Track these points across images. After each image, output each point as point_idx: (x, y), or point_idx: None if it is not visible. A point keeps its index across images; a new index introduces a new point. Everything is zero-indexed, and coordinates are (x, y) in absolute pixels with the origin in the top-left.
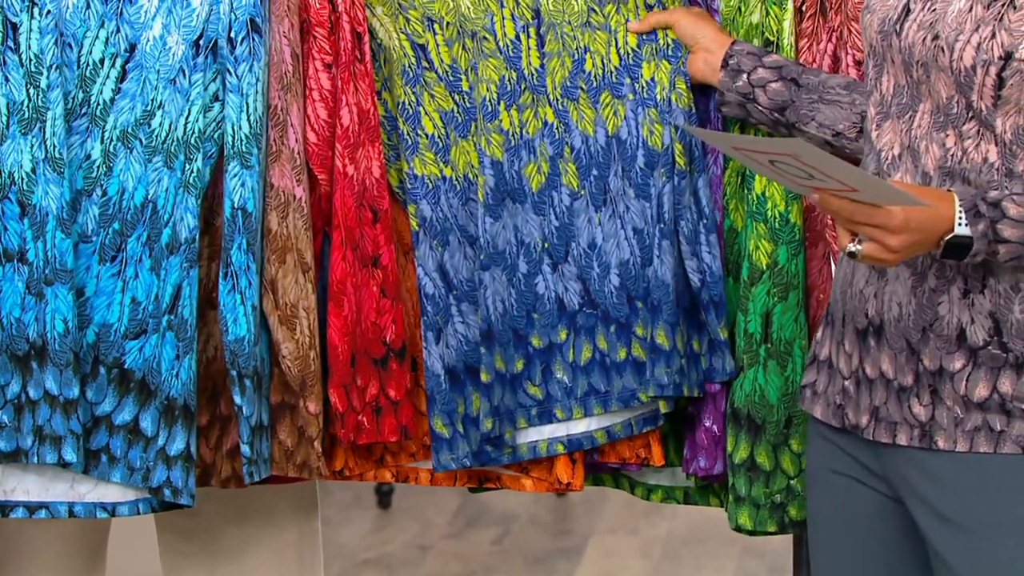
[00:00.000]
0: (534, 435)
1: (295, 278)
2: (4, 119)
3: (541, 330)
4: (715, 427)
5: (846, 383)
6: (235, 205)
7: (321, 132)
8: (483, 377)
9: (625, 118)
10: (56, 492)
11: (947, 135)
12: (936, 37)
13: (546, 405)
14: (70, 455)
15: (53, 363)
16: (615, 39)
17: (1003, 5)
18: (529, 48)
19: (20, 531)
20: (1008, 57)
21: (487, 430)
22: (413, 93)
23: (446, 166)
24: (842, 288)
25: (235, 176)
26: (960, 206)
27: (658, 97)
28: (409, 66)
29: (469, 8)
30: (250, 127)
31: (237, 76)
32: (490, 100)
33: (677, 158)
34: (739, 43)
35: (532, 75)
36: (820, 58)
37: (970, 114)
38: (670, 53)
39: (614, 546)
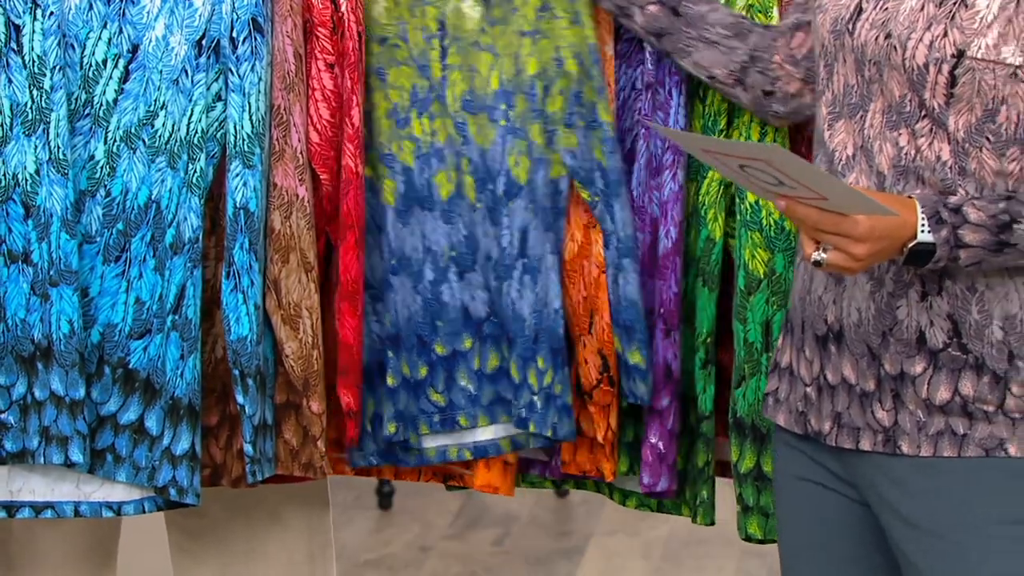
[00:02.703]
0: (443, 440)
1: (298, 278)
2: (8, 120)
3: (445, 338)
4: (660, 444)
5: (808, 390)
6: (237, 204)
7: (323, 132)
8: (389, 381)
9: (493, 142)
10: (62, 492)
11: (900, 134)
12: (888, 36)
13: (448, 412)
14: (76, 456)
15: (59, 364)
16: (498, 63)
17: (955, 3)
18: (433, 60)
19: (30, 532)
20: (960, 55)
21: (390, 434)
22: None
23: (363, 164)
24: (800, 295)
25: (237, 175)
26: (922, 213)
27: (529, 133)
28: None
29: (382, 14)
30: (252, 126)
31: (239, 76)
32: (402, 107)
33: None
34: None
35: (439, 85)
36: None
37: (923, 112)
38: (527, 90)
39: (614, 547)
